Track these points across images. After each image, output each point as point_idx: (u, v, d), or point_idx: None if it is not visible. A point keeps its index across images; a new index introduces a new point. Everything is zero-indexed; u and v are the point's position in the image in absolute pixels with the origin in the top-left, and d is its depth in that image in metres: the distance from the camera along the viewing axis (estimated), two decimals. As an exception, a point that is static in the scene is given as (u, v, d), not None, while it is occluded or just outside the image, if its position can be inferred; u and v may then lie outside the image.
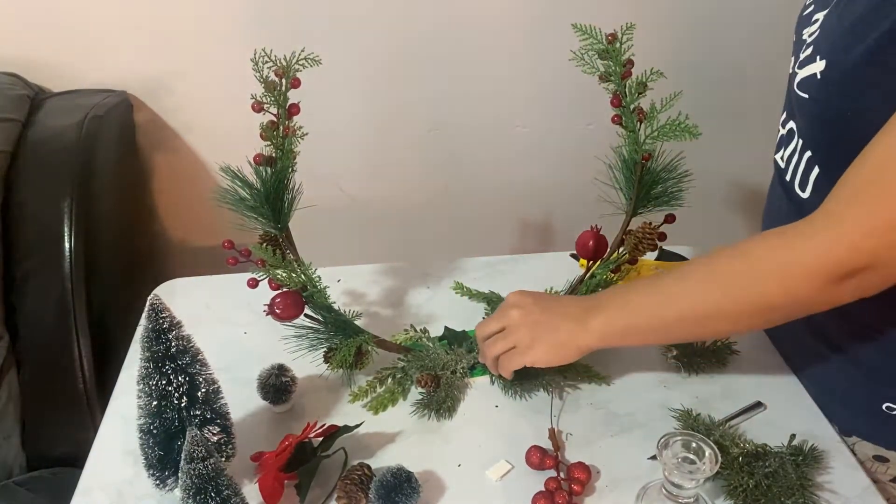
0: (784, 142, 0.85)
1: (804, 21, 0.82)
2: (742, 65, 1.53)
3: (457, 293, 1.08)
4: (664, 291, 0.78)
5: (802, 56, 0.78)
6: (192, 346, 0.74)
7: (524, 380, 0.90)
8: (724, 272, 0.74)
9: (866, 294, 0.69)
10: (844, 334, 0.83)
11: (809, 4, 0.83)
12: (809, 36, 0.78)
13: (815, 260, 0.67)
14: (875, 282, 0.68)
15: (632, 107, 0.87)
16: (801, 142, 0.80)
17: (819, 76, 0.73)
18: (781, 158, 0.85)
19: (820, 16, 0.78)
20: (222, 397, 0.77)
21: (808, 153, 0.78)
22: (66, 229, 1.17)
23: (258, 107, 0.80)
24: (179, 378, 0.72)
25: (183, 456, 0.66)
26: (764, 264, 0.71)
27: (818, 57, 0.74)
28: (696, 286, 0.76)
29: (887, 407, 0.81)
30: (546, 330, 0.82)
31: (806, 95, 0.76)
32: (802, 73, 0.77)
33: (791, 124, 0.83)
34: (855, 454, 0.84)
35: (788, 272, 0.69)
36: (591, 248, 0.96)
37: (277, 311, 0.83)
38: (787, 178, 0.83)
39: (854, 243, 0.65)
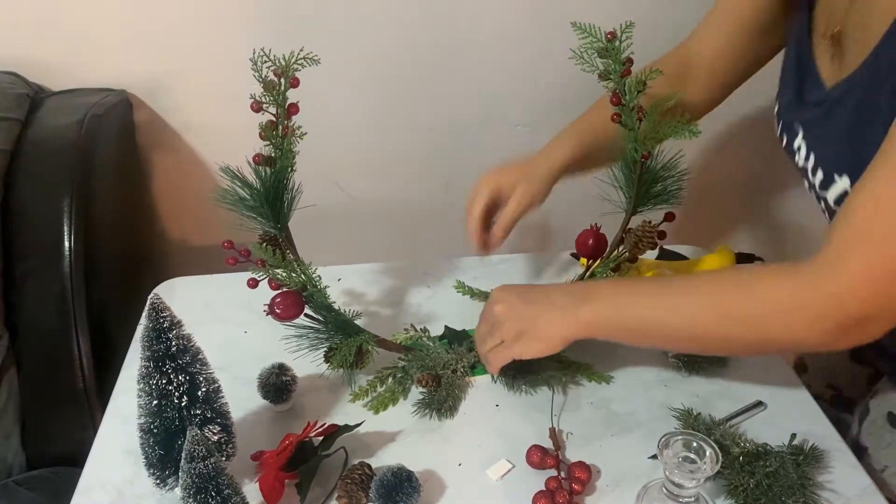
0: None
1: (786, 127, 0.82)
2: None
3: (457, 292, 1.08)
4: (665, 301, 0.77)
5: (815, 180, 0.77)
6: (193, 346, 0.74)
7: (524, 375, 0.90)
8: (727, 303, 0.73)
9: (871, 339, 0.68)
10: None
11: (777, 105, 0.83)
12: (803, 153, 0.79)
13: (821, 309, 0.67)
14: (881, 328, 0.67)
15: (631, 105, 0.87)
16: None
17: (851, 190, 0.71)
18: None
19: (798, 128, 0.79)
20: (222, 396, 0.77)
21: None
22: (65, 228, 1.17)
23: (257, 106, 0.80)
24: (180, 377, 0.72)
25: (183, 455, 0.66)
26: (769, 305, 0.70)
27: (835, 175, 0.74)
28: (696, 307, 0.75)
29: None
30: (530, 322, 0.81)
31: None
32: (832, 195, 0.75)
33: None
34: None
35: (794, 317, 0.69)
36: (591, 246, 0.96)
37: (277, 310, 0.83)
38: None
39: (861, 297, 0.65)
